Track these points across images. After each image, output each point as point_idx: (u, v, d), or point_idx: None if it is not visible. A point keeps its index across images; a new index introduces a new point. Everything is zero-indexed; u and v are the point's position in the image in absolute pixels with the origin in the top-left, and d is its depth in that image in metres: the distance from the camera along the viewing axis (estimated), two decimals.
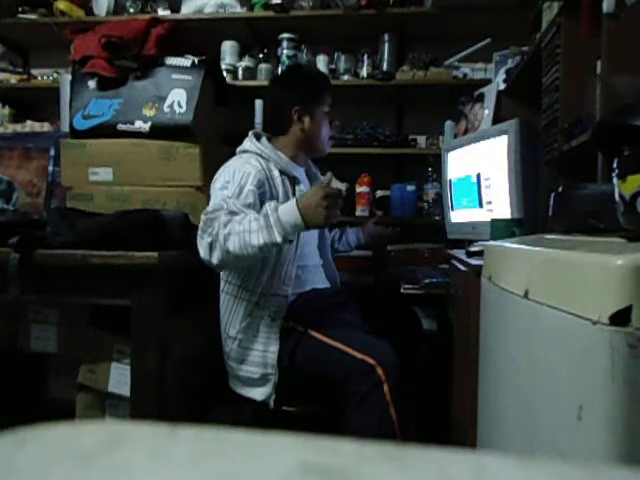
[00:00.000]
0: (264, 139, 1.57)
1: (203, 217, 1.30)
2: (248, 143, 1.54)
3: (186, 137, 1.68)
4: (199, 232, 1.30)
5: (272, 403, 1.42)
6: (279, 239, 1.24)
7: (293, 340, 1.40)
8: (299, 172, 1.58)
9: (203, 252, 1.28)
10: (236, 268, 1.44)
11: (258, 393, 1.43)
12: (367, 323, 1.47)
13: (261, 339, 1.42)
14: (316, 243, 1.65)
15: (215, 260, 1.27)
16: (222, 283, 1.51)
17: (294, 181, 1.51)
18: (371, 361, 1.26)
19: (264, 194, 1.41)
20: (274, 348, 1.40)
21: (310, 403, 1.45)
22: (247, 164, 1.43)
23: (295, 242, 1.45)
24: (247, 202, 1.33)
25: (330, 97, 1.61)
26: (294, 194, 1.48)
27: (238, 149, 1.56)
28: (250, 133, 1.58)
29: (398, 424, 1.24)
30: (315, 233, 1.64)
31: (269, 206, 1.27)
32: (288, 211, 1.25)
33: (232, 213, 1.29)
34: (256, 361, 1.42)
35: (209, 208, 1.33)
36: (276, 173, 1.47)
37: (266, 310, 1.43)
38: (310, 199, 1.25)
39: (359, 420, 1.25)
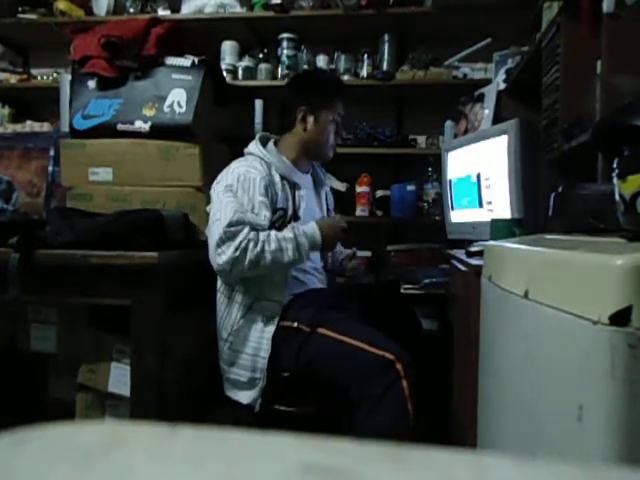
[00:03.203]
0: (270, 144, 1.59)
1: (225, 228, 1.34)
2: (253, 146, 1.56)
3: (186, 137, 1.68)
4: (217, 242, 1.34)
5: (257, 407, 1.42)
6: (305, 258, 1.45)
7: (298, 341, 1.39)
8: (300, 178, 1.59)
9: (223, 262, 1.34)
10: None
11: (244, 396, 1.43)
12: (366, 323, 1.47)
13: (252, 343, 1.42)
14: (317, 253, 1.66)
15: (236, 271, 1.36)
16: (218, 283, 1.51)
17: (294, 186, 1.53)
18: (390, 356, 1.26)
19: (270, 199, 1.45)
20: (264, 353, 1.40)
21: (309, 404, 1.45)
22: (252, 169, 1.45)
23: None
24: (262, 214, 1.41)
25: (342, 106, 1.61)
26: (294, 199, 1.52)
27: (245, 150, 1.59)
28: (257, 136, 1.61)
29: (413, 420, 1.24)
30: None
31: (296, 228, 1.43)
32: (313, 234, 1.44)
33: (255, 230, 1.37)
34: (245, 365, 1.42)
35: (229, 220, 1.35)
36: (277, 178, 1.50)
37: (259, 314, 1.43)
38: (330, 228, 1.48)
39: (378, 416, 1.24)
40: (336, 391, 1.34)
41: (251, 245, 1.34)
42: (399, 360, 1.25)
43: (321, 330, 1.38)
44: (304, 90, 1.61)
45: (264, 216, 1.41)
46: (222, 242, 1.34)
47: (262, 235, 1.37)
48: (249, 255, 1.34)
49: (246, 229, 1.35)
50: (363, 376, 1.27)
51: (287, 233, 1.41)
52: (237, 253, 1.33)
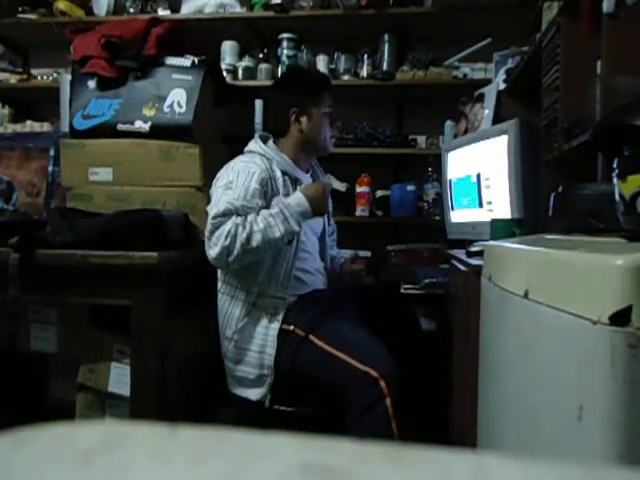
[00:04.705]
0: (270, 142, 1.59)
1: (212, 220, 1.34)
2: (253, 144, 1.57)
3: (186, 137, 1.68)
4: (207, 235, 1.34)
5: (267, 403, 1.42)
6: (297, 228, 1.41)
7: (294, 344, 1.39)
8: (301, 175, 1.59)
9: (217, 254, 1.33)
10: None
11: (253, 393, 1.43)
12: (366, 324, 1.47)
13: (257, 340, 1.42)
14: (317, 248, 1.66)
15: (232, 258, 1.34)
16: (219, 283, 1.51)
17: (296, 182, 1.53)
18: (374, 373, 1.24)
19: (267, 193, 1.45)
20: (270, 350, 1.40)
21: (309, 404, 1.45)
22: (251, 164, 1.46)
23: (294, 245, 1.48)
24: (254, 201, 1.40)
25: (330, 98, 1.61)
26: None
27: (245, 149, 1.59)
28: (256, 135, 1.61)
29: (400, 439, 1.22)
30: (315, 238, 1.65)
31: (281, 201, 1.41)
32: (299, 202, 1.41)
33: (241, 215, 1.36)
34: (252, 362, 1.43)
35: (217, 211, 1.35)
36: (278, 173, 1.50)
37: (263, 311, 1.44)
38: (316, 191, 1.44)
39: (358, 434, 1.24)
40: (329, 395, 1.34)
41: (240, 229, 1.33)
42: (383, 378, 1.24)
43: (312, 337, 1.38)
44: (291, 90, 1.60)
45: (256, 204, 1.40)
46: (211, 234, 1.34)
47: (250, 217, 1.36)
48: (239, 239, 1.33)
49: (234, 217, 1.35)
50: (347, 390, 1.27)
51: (273, 209, 1.40)
52: (227, 241, 1.32)
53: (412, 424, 1.29)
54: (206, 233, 1.36)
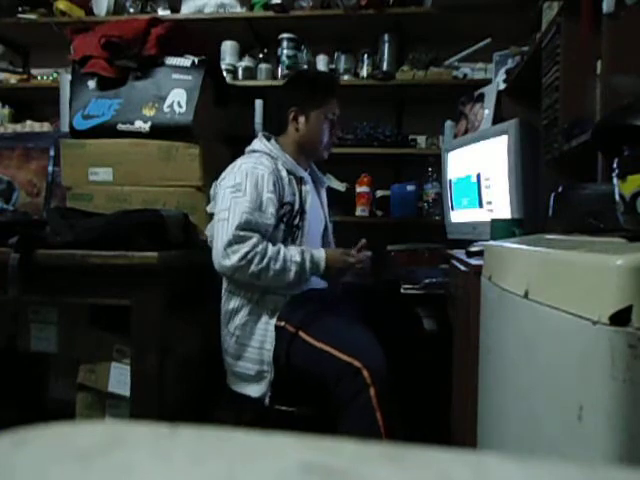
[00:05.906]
0: (273, 140, 1.59)
1: (232, 232, 1.35)
2: (258, 143, 1.57)
3: (186, 137, 1.68)
4: (225, 245, 1.35)
5: (267, 400, 1.42)
6: (306, 281, 1.48)
7: (286, 340, 1.40)
8: (304, 174, 1.59)
9: (226, 267, 1.36)
10: None
11: (253, 390, 1.44)
12: (365, 323, 1.47)
13: (258, 336, 1.43)
14: (319, 246, 1.66)
15: (237, 277, 1.39)
16: (225, 282, 1.51)
17: (301, 181, 1.54)
18: (357, 364, 1.25)
19: (277, 194, 1.46)
20: (270, 346, 1.41)
21: (306, 402, 1.45)
22: (260, 165, 1.46)
23: (297, 244, 1.49)
24: (269, 211, 1.42)
25: (336, 105, 1.61)
26: (300, 194, 1.52)
27: (247, 149, 1.59)
28: (260, 134, 1.61)
29: (385, 429, 1.22)
30: (319, 236, 1.65)
31: (305, 254, 1.44)
32: (318, 262, 1.46)
33: (263, 236, 1.40)
34: (252, 358, 1.43)
35: (238, 222, 1.36)
36: (284, 173, 1.50)
37: (264, 309, 1.44)
38: (338, 262, 1.50)
39: (345, 424, 1.24)
40: (323, 391, 1.34)
41: (257, 259, 1.35)
42: (366, 368, 1.24)
43: (301, 334, 1.39)
44: (294, 91, 1.61)
45: (270, 214, 1.42)
46: (229, 245, 1.35)
47: (270, 251, 1.38)
48: (252, 268, 1.35)
49: (255, 238, 1.36)
50: (333, 382, 1.28)
51: (295, 255, 1.42)
52: (242, 262, 1.34)
53: (400, 417, 1.28)
54: (223, 242, 1.35)
